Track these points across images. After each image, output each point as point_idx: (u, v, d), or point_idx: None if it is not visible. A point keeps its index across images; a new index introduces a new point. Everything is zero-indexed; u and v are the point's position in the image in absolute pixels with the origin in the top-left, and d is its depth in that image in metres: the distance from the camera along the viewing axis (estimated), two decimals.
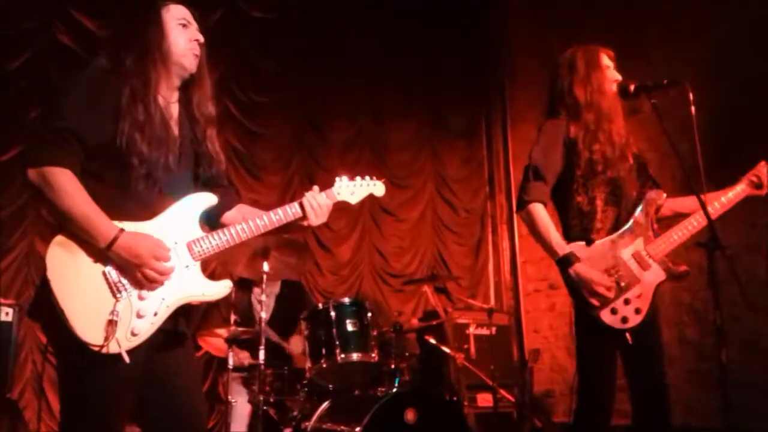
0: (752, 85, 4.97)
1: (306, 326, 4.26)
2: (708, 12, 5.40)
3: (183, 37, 2.32)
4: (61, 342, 2.08)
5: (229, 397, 4.27)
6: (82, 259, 2.09)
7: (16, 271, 5.10)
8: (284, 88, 6.39)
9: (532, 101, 6.82)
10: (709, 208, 2.79)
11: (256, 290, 4.58)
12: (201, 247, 2.25)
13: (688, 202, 3.03)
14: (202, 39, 2.36)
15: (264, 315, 4.09)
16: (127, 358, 2.05)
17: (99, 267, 2.10)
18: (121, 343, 2.05)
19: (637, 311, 2.81)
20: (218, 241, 2.27)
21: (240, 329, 4.34)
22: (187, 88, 2.39)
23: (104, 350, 2.01)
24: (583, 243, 2.88)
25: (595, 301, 2.79)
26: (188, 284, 2.22)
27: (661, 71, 2.95)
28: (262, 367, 4.01)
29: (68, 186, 2.06)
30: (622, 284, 2.83)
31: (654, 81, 2.90)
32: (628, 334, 2.78)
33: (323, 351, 4.08)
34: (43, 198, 2.08)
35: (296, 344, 4.73)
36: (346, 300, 4.33)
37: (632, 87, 2.96)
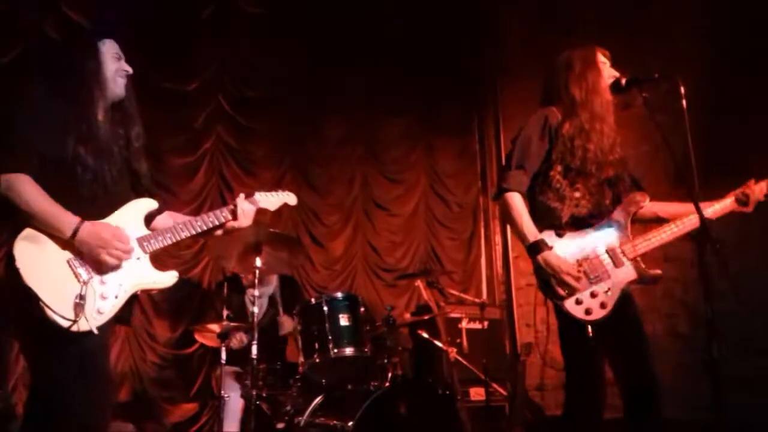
0: (747, 83, 4.97)
1: (299, 321, 4.28)
2: (705, 10, 5.40)
3: (114, 67, 2.69)
4: (32, 326, 2.33)
5: (222, 392, 4.29)
6: (47, 250, 2.37)
7: None
8: (277, 84, 6.37)
9: (524, 97, 6.80)
10: (691, 217, 2.87)
11: (250, 290, 4.60)
12: (149, 242, 2.62)
13: (670, 208, 3.06)
14: (130, 70, 2.73)
15: (256, 310, 4.10)
16: (96, 331, 2.37)
17: (64, 256, 2.39)
18: (90, 321, 2.36)
19: (602, 305, 2.83)
20: (163, 237, 2.66)
21: (232, 324, 4.36)
22: (117, 110, 2.73)
23: (74, 328, 2.31)
24: (552, 232, 2.91)
25: (561, 291, 2.82)
26: (141, 273, 2.58)
27: (657, 69, 2.95)
28: (255, 361, 4.02)
29: (29, 188, 2.35)
30: (591, 276, 2.85)
31: (645, 75, 2.92)
32: (589, 327, 2.80)
33: (316, 346, 4.11)
34: (7, 202, 2.33)
35: (287, 320, 4.81)
36: (339, 295, 4.36)
37: (624, 81, 2.99)
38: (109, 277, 2.47)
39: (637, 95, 2.95)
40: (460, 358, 5.07)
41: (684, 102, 2.68)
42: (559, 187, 2.93)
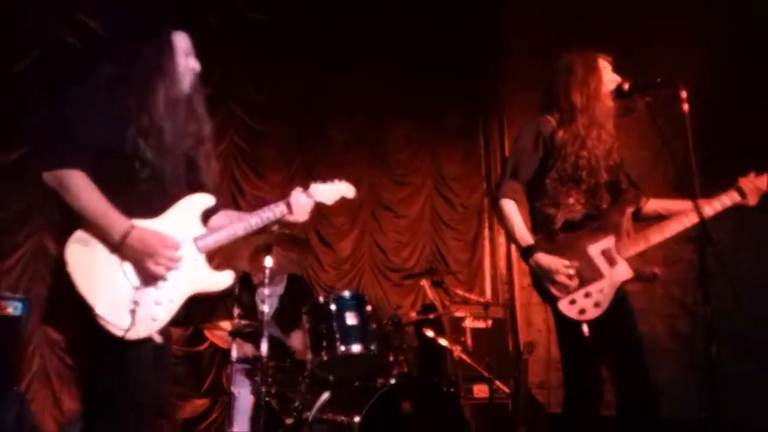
0: (749, 86, 4.96)
1: (307, 319, 4.30)
2: (706, 14, 5.40)
3: (184, 64, 2.55)
4: (85, 334, 2.23)
5: (233, 388, 4.35)
6: (99, 253, 2.24)
7: (25, 267, 5.14)
8: (285, 88, 6.44)
9: (528, 100, 6.85)
10: (690, 215, 2.88)
11: (260, 290, 4.67)
12: (205, 241, 2.48)
13: (672, 206, 3.07)
14: (198, 68, 2.59)
15: (266, 309, 4.17)
16: (158, 338, 2.28)
17: (116, 260, 2.27)
18: (144, 328, 2.24)
19: (597, 305, 2.84)
20: (219, 235, 2.52)
21: (243, 322, 4.43)
22: (183, 107, 2.56)
23: (129, 336, 2.19)
24: (544, 236, 2.96)
25: (555, 290, 2.85)
26: (196, 275, 2.44)
27: (658, 73, 3.00)
28: (265, 359, 4.06)
29: (83, 186, 2.22)
30: (585, 277, 2.87)
31: (647, 79, 2.94)
32: (584, 326, 2.82)
33: (324, 343, 4.12)
34: (58, 199, 2.22)
35: (297, 339, 4.80)
36: (346, 293, 4.37)
37: (626, 86, 3.01)
38: (163, 281, 2.34)
39: (639, 100, 2.98)
40: (464, 356, 5.10)
41: (686, 107, 2.69)
42: (552, 193, 2.98)
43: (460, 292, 6.20)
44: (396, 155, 7.18)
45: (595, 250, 2.94)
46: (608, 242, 2.95)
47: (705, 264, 2.53)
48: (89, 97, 2.35)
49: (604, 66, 3.10)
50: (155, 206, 2.40)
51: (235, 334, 4.38)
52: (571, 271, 2.85)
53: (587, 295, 2.86)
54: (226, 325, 4.58)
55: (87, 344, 2.27)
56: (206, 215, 2.60)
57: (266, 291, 4.15)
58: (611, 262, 2.92)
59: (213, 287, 2.49)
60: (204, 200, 2.55)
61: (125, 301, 2.23)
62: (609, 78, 3.07)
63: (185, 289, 2.40)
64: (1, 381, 4.30)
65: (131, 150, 2.32)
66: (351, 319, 4.18)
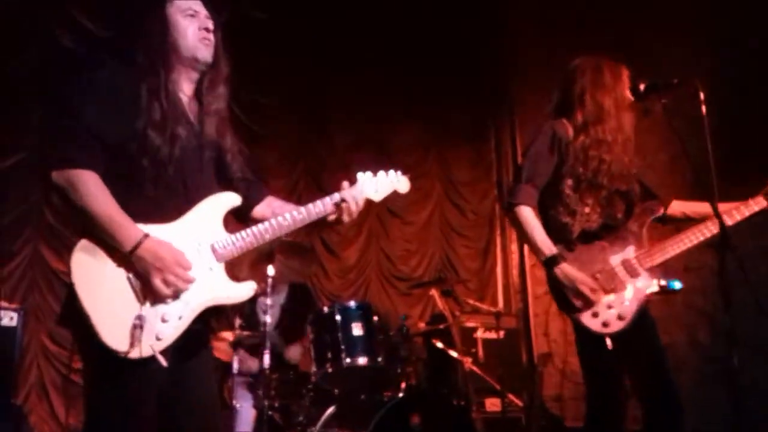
0: (763, 85, 4.91)
1: (311, 330, 4.26)
2: (718, 13, 5.36)
3: (191, 27, 2.26)
4: (88, 348, 2.07)
5: (234, 401, 4.29)
6: (106, 263, 2.06)
7: (21, 276, 5.11)
8: (288, 90, 6.39)
9: (540, 103, 6.74)
10: (709, 225, 2.85)
11: (260, 299, 4.57)
12: (225, 248, 2.21)
13: (700, 208, 3.01)
14: (211, 26, 2.29)
15: (269, 320, 4.08)
16: (163, 361, 2.04)
17: (123, 272, 2.07)
18: (146, 348, 2.02)
19: (620, 317, 2.82)
20: (242, 242, 2.24)
21: (245, 333, 4.34)
22: (202, 81, 2.33)
23: (131, 355, 1.98)
24: (562, 246, 2.89)
25: (578, 302, 2.80)
26: (213, 287, 2.19)
27: (670, 72, 2.92)
28: (267, 371, 4.01)
29: (94, 188, 2.04)
30: (607, 289, 2.83)
31: (664, 80, 2.88)
32: (608, 339, 2.78)
33: (329, 355, 4.08)
34: (67, 201, 2.05)
35: (295, 351, 4.74)
36: (352, 303, 4.33)
37: (643, 87, 2.96)
38: (171, 297, 2.11)
39: (656, 101, 2.92)
40: (475, 368, 5.03)
41: (704, 107, 2.65)
42: (569, 201, 2.91)
43: (470, 301, 6.11)
44: (403, 158, 7.07)
45: (615, 260, 2.91)
46: (628, 253, 2.92)
47: (725, 271, 2.47)
48: (97, 89, 2.15)
49: (618, 75, 3.04)
50: (172, 208, 2.17)
51: (236, 345, 4.29)
52: (596, 284, 2.82)
53: (610, 307, 2.83)
54: (227, 335, 4.47)
55: (87, 358, 2.13)
56: (242, 210, 2.36)
57: (268, 301, 4.07)
58: (633, 274, 2.90)
59: (231, 299, 2.23)
60: (229, 200, 2.28)
61: (130, 316, 2.02)
62: (625, 83, 3.02)
63: (199, 303, 2.15)
64: None
65: (142, 146, 2.10)
66: (357, 329, 4.12)
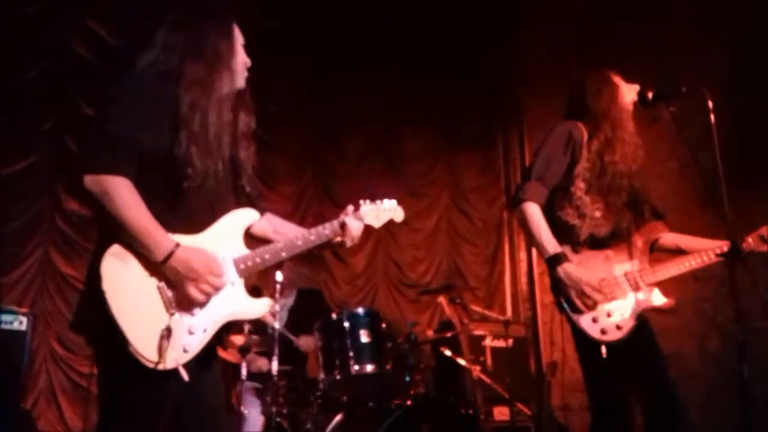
0: None
1: (320, 337, 4.26)
2: (728, 21, 5.33)
3: (241, 59, 2.37)
4: (110, 356, 2.05)
5: (242, 408, 4.26)
6: (136, 272, 2.05)
7: (31, 280, 5.12)
8: (298, 98, 6.39)
9: (548, 110, 6.74)
10: (711, 254, 2.87)
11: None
12: (246, 264, 2.24)
13: (693, 243, 3.03)
14: (249, 62, 2.41)
15: (277, 325, 4.08)
16: (185, 375, 2.05)
17: (153, 281, 2.07)
18: (172, 360, 2.02)
19: (618, 327, 2.80)
20: (261, 258, 2.27)
21: (254, 338, 4.34)
22: (235, 103, 2.39)
23: (159, 366, 1.98)
24: (569, 247, 2.89)
25: (580, 303, 2.79)
26: (234, 301, 2.21)
27: (680, 81, 2.91)
28: (276, 377, 4.00)
29: (128, 196, 2.03)
30: (609, 296, 2.83)
31: (672, 89, 2.88)
32: (603, 348, 2.78)
33: (337, 362, 4.07)
34: (97, 206, 2.03)
35: (307, 341, 4.72)
36: (360, 310, 4.33)
37: (651, 95, 2.95)
38: (200, 308, 2.13)
39: (663, 110, 2.92)
40: (483, 377, 4.99)
41: (712, 116, 2.64)
42: (579, 204, 2.90)
43: (479, 309, 6.07)
44: (412, 166, 7.07)
45: (619, 271, 2.91)
46: (633, 266, 2.92)
47: (736, 280, 2.50)
48: (137, 97, 2.13)
49: (619, 83, 3.05)
50: (198, 220, 2.19)
51: (245, 349, 4.29)
52: (599, 288, 2.82)
53: (609, 315, 2.82)
54: (237, 339, 4.48)
55: (109, 366, 2.10)
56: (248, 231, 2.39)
57: (276, 306, 4.06)
58: (635, 287, 2.90)
59: (249, 315, 2.31)
60: (248, 216, 2.33)
61: (158, 326, 2.01)
62: (627, 89, 3.03)
63: (222, 316, 2.18)
64: (6, 398, 4.23)
65: (183, 156, 2.10)
66: (365, 336, 4.12)
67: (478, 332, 5.51)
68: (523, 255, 7.38)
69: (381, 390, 4.24)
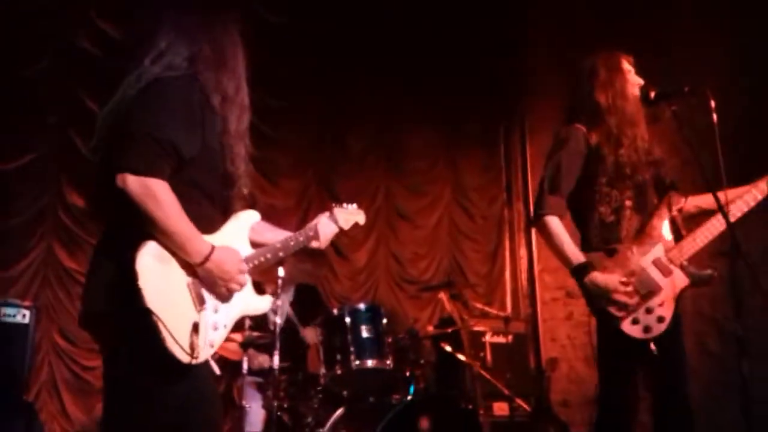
0: None
1: (321, 332, 4.27)
2: (731, 19, 5.33)
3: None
4: (138, 353, 2.05)
5: (243, 402, 4.27)
6: (170, 269, 2.09)
7: (34, 274, 5.12)
8: (301, 94, 6.38)
9: (550, 109, 6.77)
10: (733, 209, 2.74)
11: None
12: (254, 262, 2.33)
13: (712, 199, 2.90)
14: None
15: (279, 320, 4.09)
16: (217, 369, 2.19)
17: (183, 278, 2.12)
18: (203, 354, 2.10)
19: (660, 320, 2.74)
20: (264, 258, 2.37)
21: (255, 333, 4.35)
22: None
23: (194, 361, 2.05)
24: (602, 253, 2.83)
25: (615, 311, 2.73)
26: (245, 298, 2.31)
27: (683, 80, 2.90)
28: (277, 372, 4.01)
29: (169, 200, 2.05)
30: (643, 292, 2.75)
31: (675, 88, 2.87)
32: (652, 344, 2.71)
33: (338, 357, 4.09)
34: (131, 205, 2.02)
35: (311, 333, 4.75)
36: (362, 306, 4.34)
37: (653, 94, 2.94)
38: (222, 304, 2.21)
39: (665, 108, 2.91)
40: (483, 372, 5.04)
41: (714, 116, 2.63)
42: (608, 200, 2.87)
43: (479, 305, 6.09)
44: (414, 163, 7.08)
45: (647, 261, 2.82)
46: (657, 251, 2.83)
47: (736, 278, 2.48)
48: (177, 100, 2.16)
49: (628, 69, 3.03)
50: (213, 222, 2.25)
51: (246, 345, 4.30)
52: (629, 288, 2.74)
53: (648, 311, 2.76)
54: (236, 336, 4.48)
55: (143, 363, 2.07)
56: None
57: (278, 302, 4.07)
58: (665, 272, 2.81)
59: (254, 311, 2.41)
60: (251, 217, 2.42)
61: (188, 322, 2.07)
62: (633, 81, 3.00)
63: (237, 312, 2.28)
64: (9, 391, 4.24)
65: (210, 159, 2.20)
66: (366, 332, 4.14)
67: (478, 328, 5.53)
68: (523, 252, 7.41)
69: (382, 385, 4.26)
